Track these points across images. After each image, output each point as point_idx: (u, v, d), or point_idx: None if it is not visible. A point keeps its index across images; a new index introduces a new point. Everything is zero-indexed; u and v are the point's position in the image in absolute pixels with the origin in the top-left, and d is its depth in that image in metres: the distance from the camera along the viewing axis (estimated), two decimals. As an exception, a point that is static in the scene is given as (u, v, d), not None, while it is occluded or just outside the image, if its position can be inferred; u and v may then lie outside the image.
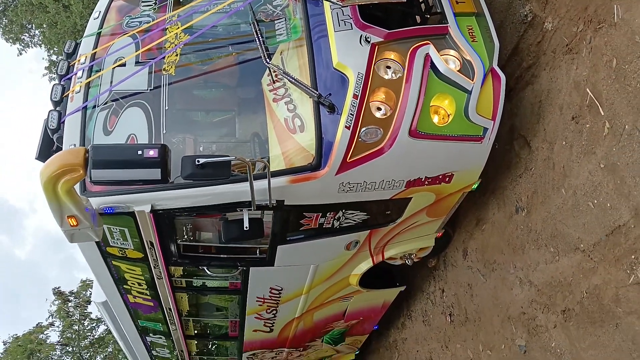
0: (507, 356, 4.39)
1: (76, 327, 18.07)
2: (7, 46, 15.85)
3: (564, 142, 3.62)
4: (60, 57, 4.68)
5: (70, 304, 17.67)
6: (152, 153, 2.98)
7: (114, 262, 4.40)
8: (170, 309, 5.14)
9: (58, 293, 17.72)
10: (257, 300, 5.15)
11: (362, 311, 5.98)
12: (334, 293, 5.34)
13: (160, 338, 5.92)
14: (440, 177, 3.88)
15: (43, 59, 16.00)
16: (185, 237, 4.26)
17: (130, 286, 4.77)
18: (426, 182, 3.89)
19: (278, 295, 5.12)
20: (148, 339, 5.97)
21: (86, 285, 18.43)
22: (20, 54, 15.82)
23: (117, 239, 4.04)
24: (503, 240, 4.39)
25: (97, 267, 4.48)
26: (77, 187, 3.34)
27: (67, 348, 18.34)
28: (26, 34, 15.71)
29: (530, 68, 4.04)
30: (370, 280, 5.31)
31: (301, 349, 6.64)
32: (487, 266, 4.67)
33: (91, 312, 18.90)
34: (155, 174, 2.99)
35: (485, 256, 4.70)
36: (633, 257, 3.02)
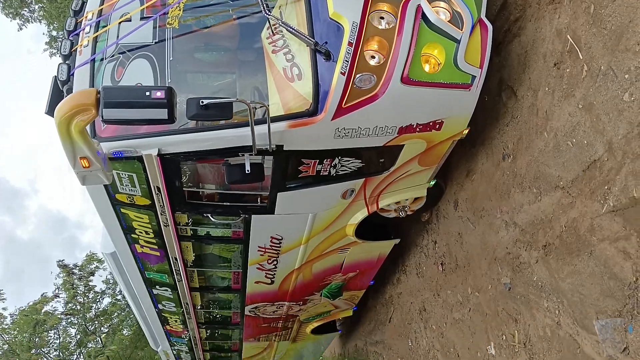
0: (493, 295, 4.67)
1: (81, 299, 18.48)
2: (7, 22, 15.92)
3: (547, 88, 3.84)
4: (61, 32, 4.85)
5: (74, 277, 18.04)
6: (159, 94, 3.19)
7: (122, 210, 4.64)
8: (176, 259, 5.41)
9: (62, 266, 18.08)
10: (258, 250, 5.41)
11: (358, 264, 6.25)
12: (331, 244, 5.60)
13: (166, 290, 6.19)
14: (431, 124, 4.11)
15: (43, 34, 16.10)
16: (191, 183, 4.50)
17: (138, 235, 5.02)
18: (417, 129, 4.12)
19: (278, 245, 5.38)
20: (154, 291, 6.24)
21: (90, 258, 18.80)
22: (21, 29, 15.90)
23: (126, 185, 4.28)
24: (491, 188, 4.64)
25: (106, 215, 4.73)
26: (87, 130, 3.55)
27: (72, 319, 18.77)
28: (26, 9, 15.76)
29: (518, 21, 4.24)
30: (366, 233, 5.58)
31: (301, 302, 6.93)
32: (476, 214, 4.93)
33: (95, 285, 19.30)
34: (163, 113, 3.20)
35: (475, 205, 4.95)
36: (606, 187, 3.27)
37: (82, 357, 19.19)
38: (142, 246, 5.23)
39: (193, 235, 5.20)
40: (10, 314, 18.47)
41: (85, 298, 18.56)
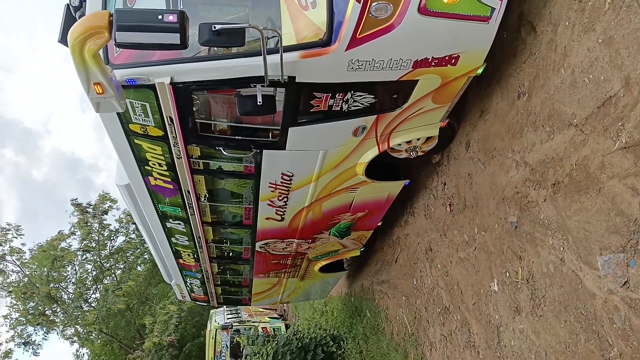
0: (500, 234, 4.74)
1: (95, 237, 19.06)
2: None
3: (567, 23, 3.73)
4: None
5: (88, 215, 18.53)
6: (171, 18, 3.17)
7: (136, 141, 4.70)
8: (188, 192, 5.52)
9: (76, 204, 18.55)
10: (269, 186, 5.49)
11: (367, 204, 6.32)
12: (341, 182, 5.65)
13: (180, 224, 6.35)
14: (447, 58, 4.04)
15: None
16: (203, 115, 4.52)
17: (152, 167, 5.10)
18: (433, 64, 4.06)
19: (289, 182, 5.45)
20: (168, 224, 6.40)
21: (103, 198, 19.21)
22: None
23: (139, 114, 4.32)
24: (504, 127, 4.60)
25: (121, 146, 4.80)
26: (101, 55, 3.55)
27: (88, 256, 19.44)
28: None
29: (542, -49, 4.07)
30: (376, 173, 5.61)
31: (310, 240, 7.09)
32: (487, 154, 4.91)
33: (110, 224, 19.83)
34: (175, 38, 3.20)
35: (486, 145, 4.93)
36: (620, 124, 3.24)
37: (98, 292, 20.03)
38: (155, 178, 5.33)
39: (205, 169, 5.27)
40: (29, 249, 19.18)
41: (99, 236, 19.14)
